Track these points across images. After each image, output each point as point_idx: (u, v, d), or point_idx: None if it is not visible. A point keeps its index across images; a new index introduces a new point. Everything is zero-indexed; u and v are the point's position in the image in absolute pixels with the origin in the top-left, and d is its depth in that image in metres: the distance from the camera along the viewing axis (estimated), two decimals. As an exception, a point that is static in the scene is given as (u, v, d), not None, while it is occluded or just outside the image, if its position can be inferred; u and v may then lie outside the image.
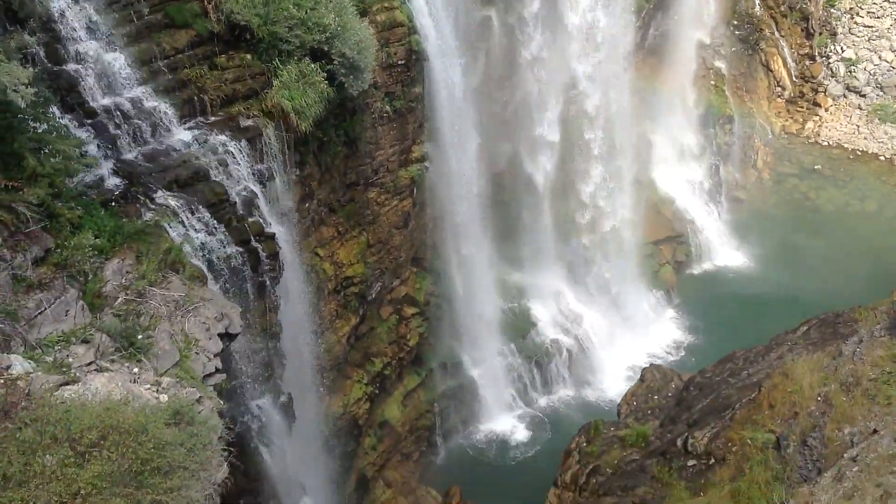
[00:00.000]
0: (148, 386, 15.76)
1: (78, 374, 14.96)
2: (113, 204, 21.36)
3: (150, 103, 24.16)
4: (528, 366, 50.13)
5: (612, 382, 51.92)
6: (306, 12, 27.66)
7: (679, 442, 25.32)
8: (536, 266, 52.96)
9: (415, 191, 42.23)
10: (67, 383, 14.36)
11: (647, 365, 39.53)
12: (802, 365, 22.87)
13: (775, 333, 32.23)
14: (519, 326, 50.81)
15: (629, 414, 34.13)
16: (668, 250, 60.70)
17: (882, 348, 21.37)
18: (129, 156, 23.30)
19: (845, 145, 71.08)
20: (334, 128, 34.01)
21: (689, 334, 56.25)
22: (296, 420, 32.00)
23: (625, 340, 54.57)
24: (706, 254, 63.21)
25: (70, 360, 15.43)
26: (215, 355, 18.79)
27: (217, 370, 18.64)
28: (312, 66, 28.25)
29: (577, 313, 53.70)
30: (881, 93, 70.95)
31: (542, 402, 50.99)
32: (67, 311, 16.50)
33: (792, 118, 73.47)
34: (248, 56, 27.73)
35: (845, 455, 17.93)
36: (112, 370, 15.72)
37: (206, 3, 26.47)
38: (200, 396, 16.14)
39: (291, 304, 31.25)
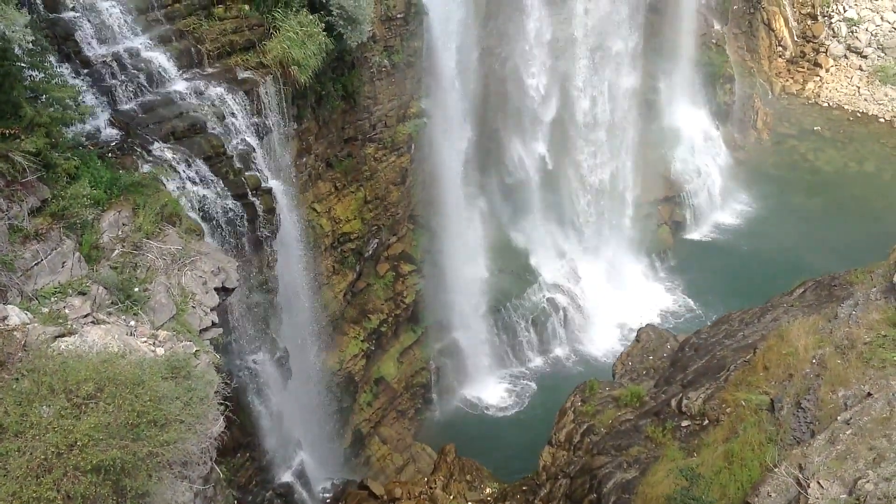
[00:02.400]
0: (144, 339, 15.73)
1: (74, 325, 14.90)
2: (109, 155, 21.19)
3: (146, 53, 23.85)
4: (523, 325, 50.22)
5: (608, 342, 52.13)
6: (305, -38, 27.29)
7: (673, 402, 25.46)
8: (533, 225, 52.83)
9: (412, 147, 41.96)
10: (64, 335, 14.30)
11: (643, 325, 39.60)
12: (798, 327, 22.91)
13: (771, 295, 32.28)
14: (515, 285, 50.80)
15: (624, 374, 34.29)
16: (665, 210, 60.58)
17: (878, 311, 21.36)
18: (126, 107, 23.04)
19: (845, 106, 70.78)
20: (332, 81, 33.69)
21: (686, 295, 56.33)
22: (292, 376, 32.10)
23: (621, 300, 54.64)
24: (704, 214, 63.12)
25: (66, 311, 15.37)
26: (212, 309, 18.74)
27: (213, 324, 18.60)
28: (311, 17, 27.89)
29: (574, 273, 53.70)
30: (882, 54, 70.46)
31: (538, 361, 51.20)
32: (64, 262, 16.40)
33: (792, 78, 73.04)
34: (246, 6, 27.37)
35: (839, 418, 17.99)
36: (109, 322, 15.66)
37: (203, -49, 26.04)
38: (197, 350, 16.11)
39: (288, 259, 31.19)
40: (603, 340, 52.49)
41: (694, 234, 62.28)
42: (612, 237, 57.34)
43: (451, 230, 45.98)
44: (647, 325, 39.91)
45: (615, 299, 54.53)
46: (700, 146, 64.86)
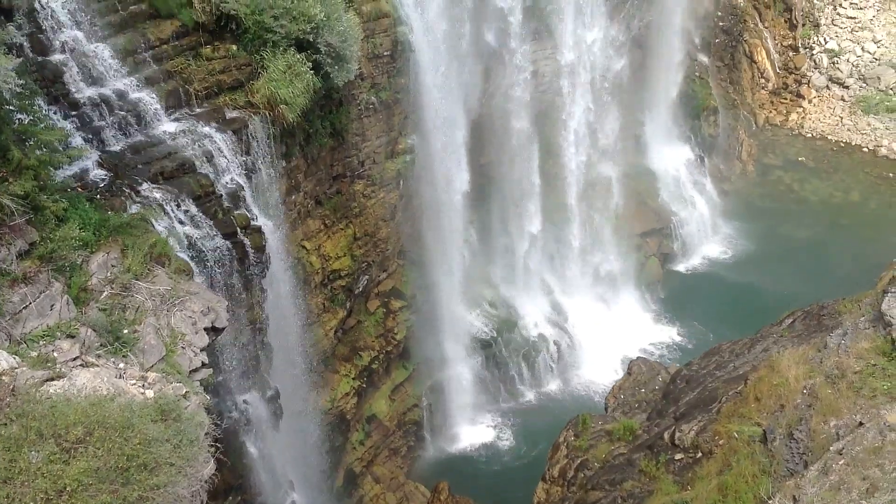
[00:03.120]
0: (134, 381, 15.63)
1: (63, 369, 14.81)
2: (98, 196, 21.18)
3: (135, 94, 23.97)
4: (515, 359, 50.12)
5: (600, 375, 52.01)
6: (292, 2, 27.51)
7: (666, 435, 25.35)
8: (522, 258, 52.91)
9: (401, 183, 42.14)
10: (53, 378, 14.21)
11: (634, 358, 39.56)
12: (788, 357, 22.89)
13: (761, 325, 32.32)
14: (506, 320, 50.76)
15: (616, 407, 34.16)
16: (654, 242, 60.82)
17: (867, 340, 21.39)
18: (114, 147, 23.13)
19: (829, 137, 71.41)
20: (320, 119, 33.87)
21: (676, 326, 56.40)
22: (283, 415, 31.89)
23: (612, 333, 54.62)
24: (692, 246, 63.37)
25: (55, 354, 15.29)
26: (202, 350, 18.66)
27: (203, 365, 18.51)
28: (298, 56, 28.09)
29: (564, 306, 53.74)
30: (864, 84, 71.28)
31: (530, 395, 51.06)
32: (52, 305, 16.33)
33: (776, 109, 73.72)
34: (234, 47, 27.53)
35: (831, 448, 17.93)
36: (98, 365, 15.57)
37: (191, -8, 26.27)
38: (187, 392, 16.02)
39: (278, 297, 31.12)
40: (595, 374, 52.38)
41: (682, 266, 62.48)
42: (602, 269, 57.45)
43: (441, 265, 46.02)
44: (639, 357, 39.88)
45: (606, 332, 54.50)
46: (686, 178, 65.32)
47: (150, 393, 15.27)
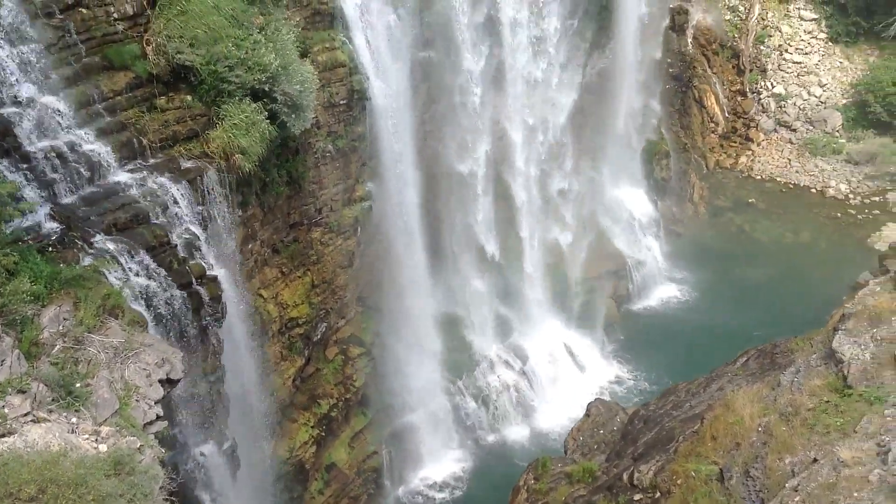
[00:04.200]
0: (87, 436, 15.42)
1: (14, 425, 14.59)
2: (50, 249, 20.97)
3: (88, 146, 23.83)
4: (474, 404, 50.02)
5: (559, 418, 51.98)
6: (246, 52, 27.66)
7: (625, 476, 25.50)
8: (479, 302, 53.07)
9: (359, 230, 42.20)
10: (3, 435, 14.00)
11: (593, 399, 39.69)
12: (742, 396, 23.26)
13: (716, 365, 32.72)
14: (465, 364, 50.73)
15: (576, 449, 34.24)
16: (610, 284, 61.29)
17: (819, 378, 21.81)
18: (67, 200, 22.93)
19: (778, 179, 72.88)
20: (277, 168, 33.93)
21: (632, 368, 56.72)
22: (240, 466, 31.41)
23: (570, 375, 54.82)
24: (647, 287, 63.98)
25: (6, 410, 15.04)
26: (156, 402, 18.45)
27: (158, 417, 18.29)
28: (254, 105, 28.19)
29: (522, 349, 53.84)
30: (811, 127, 73.14)
31: (490, 439, 50.86)
32: (3, 360, 16.08)
33: (725, 153, 75.19)
34: (189, 97, 27.59)
35: (787, 485, 18.19)
36: (50, 420, 15.34)
37: (145, 44, 26.34)
38: (141, 445, 15.83)
39: (235, 347, 30.84)
40: (554, 416, 52.32)
41: (638, 307, 62.96)
42: (560, 312, 57.79)
43: (399, 311, 45.96)
44: (597, 398, 39.99)
45: (564, 374, 54.67)
46: (640, 221, 66.22)
47: (103, 447, 15.07)
